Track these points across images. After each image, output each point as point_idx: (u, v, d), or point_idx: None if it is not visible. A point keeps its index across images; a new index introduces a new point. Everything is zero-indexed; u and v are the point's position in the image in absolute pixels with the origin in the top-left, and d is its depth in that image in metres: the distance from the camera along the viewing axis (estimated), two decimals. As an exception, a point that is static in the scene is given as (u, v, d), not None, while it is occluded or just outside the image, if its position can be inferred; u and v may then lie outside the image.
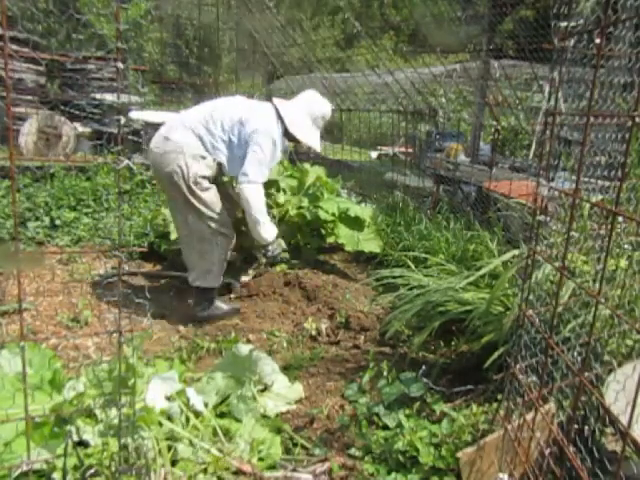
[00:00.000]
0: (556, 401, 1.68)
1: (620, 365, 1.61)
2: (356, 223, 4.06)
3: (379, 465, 1.79)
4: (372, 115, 7.34)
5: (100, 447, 1.52)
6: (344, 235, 3.95)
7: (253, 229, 3.02)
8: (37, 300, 3.11)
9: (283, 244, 3.33)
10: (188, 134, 2.89)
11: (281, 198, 4.11)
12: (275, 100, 3.19)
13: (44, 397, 1.75)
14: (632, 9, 1.23)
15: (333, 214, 3.95)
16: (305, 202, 4.15)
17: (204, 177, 2.88)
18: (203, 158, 2.88)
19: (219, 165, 2.98)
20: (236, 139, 2.93)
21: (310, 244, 4.16)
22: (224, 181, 3.33)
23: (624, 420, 0.96)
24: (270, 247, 3.12)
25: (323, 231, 4.17)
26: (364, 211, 4.17)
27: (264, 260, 3.53)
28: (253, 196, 2.90)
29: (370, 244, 3.95)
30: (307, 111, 3.15)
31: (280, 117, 3.08)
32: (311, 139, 3.18)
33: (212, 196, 2.92)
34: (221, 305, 3.11)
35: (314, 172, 4.42)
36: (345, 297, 3.34)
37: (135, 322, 2.85)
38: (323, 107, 3.23)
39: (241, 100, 3.19)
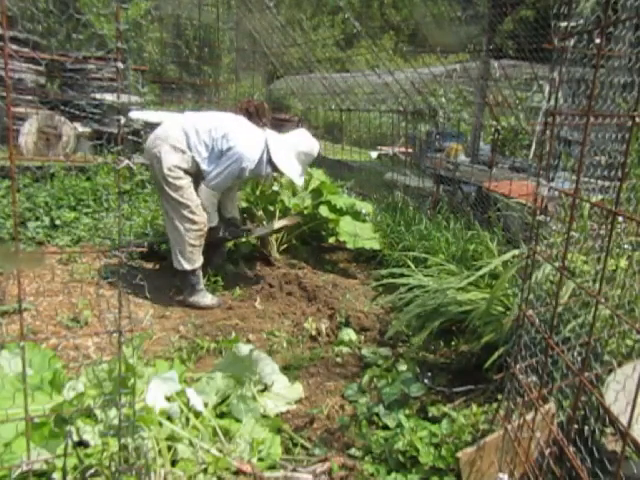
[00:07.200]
0: (556, 401, 1.68)
1: (620, 365, 1.61)
2: (357, 217, 4.16)
3: (379, 465, 1.79)
4: (372, 115, 7.35)
5: (100, 447, 1.52)
6: (345, 233, 3.98)
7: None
8: (37, 300, 3.10)
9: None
10: (176, 127, 3.17)
11: (285, 199, 4.12)
12: (268, 131, 3.39)
13: (44, 397, 1.75)
14: (632, 9, 1.24)
15: (340, 209, 4.05)
16: (307, 202, 4.16)
17: (179, 168, 3.12)
18: (182, 152, 3.14)
19: (197, 164, 3.19)
20: (216, 148, 3.18)
21: (310, 244, 4.17)
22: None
23: (624, 420, 0.96)
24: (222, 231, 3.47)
25: (324, 232, 4.17)
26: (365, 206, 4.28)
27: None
28: (205, 197, 3.24)
29: (370, 241, 3.99)
30: (292, 144, 3.31)
31: (267, 146, 3.26)
32: (290, 170, 3.29)
33: (184, 185, 3.14)
34: (207, 295, 3.32)
35: (317, 176, 4.44)
36: (345, 297, 3.34)
37: (135, 322, 2.85)
38: (309, 144, 3.37)
39: (236, 119, 3.40)
